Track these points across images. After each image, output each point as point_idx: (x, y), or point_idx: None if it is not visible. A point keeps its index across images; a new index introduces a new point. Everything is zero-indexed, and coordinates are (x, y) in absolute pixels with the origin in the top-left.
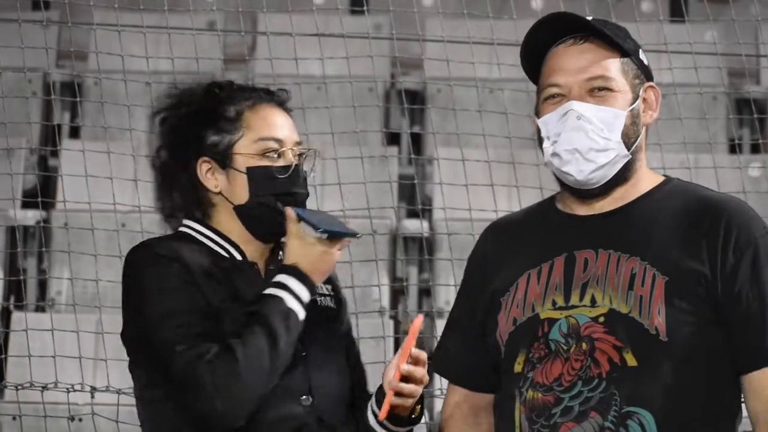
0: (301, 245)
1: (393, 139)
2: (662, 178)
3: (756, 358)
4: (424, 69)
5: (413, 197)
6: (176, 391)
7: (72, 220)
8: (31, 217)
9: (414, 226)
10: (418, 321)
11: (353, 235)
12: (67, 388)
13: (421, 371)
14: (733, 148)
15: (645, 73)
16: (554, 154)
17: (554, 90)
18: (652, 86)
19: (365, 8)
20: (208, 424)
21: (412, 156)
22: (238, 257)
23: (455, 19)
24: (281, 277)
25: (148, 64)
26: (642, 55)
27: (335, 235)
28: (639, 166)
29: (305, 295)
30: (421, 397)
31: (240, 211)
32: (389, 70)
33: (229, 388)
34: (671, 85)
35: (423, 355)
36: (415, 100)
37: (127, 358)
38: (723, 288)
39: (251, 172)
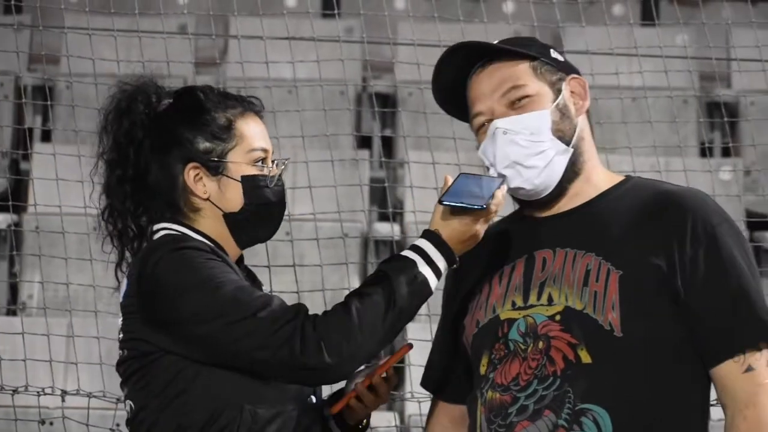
0: (443, 214)
1: (364, 142)
2: (621, 178)
3: (719, 351)
4: (395, 72)
5: (384, 200)
6: (264, 355)
7: (43, 223)
8: (2, 220)
9: (385, 229)
10: (405, 349)
11: (479, 207)
12: (38, 392)
13: (385, 389)
14: (704, 152)
15: (564, 69)
16: (500, 175)
17: (480, 119)
18: (575, 78)
19: (336, 12)
20: (310, 378)
21: (384, 159)
22: (228, 259)
23: (426, 22)
24: (419, 241)
25: (119, 68)
26: (555, 54)
27: (460, 208)
28: (588, 158)
29: (442, 263)
30: (368, 415)
31: (231, 218)
32: (360, 74)
33: (338, 341)
34: (642, 88)
35: (395, 379)
36: (387, 103)
37: (98, 362)
38: (682, 280)
39: (245, 180)
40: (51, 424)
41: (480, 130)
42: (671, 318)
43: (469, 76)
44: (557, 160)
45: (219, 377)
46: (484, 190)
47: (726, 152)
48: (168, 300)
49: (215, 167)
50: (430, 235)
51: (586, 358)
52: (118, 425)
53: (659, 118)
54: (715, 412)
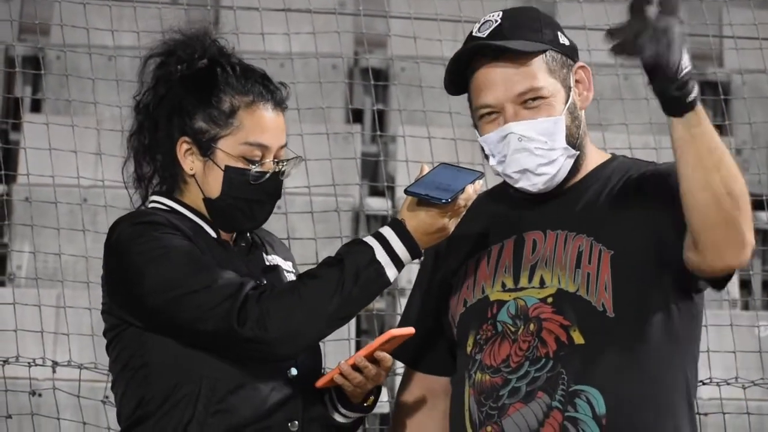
0: (411, 204)
1: (356, 116)
2: (608, 156)
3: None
4: (390, 46)
5: (376, 175)
6: (209, 327)
7: (34, 194)
8: None
9: (377, 203)
10: (388, 334)
11: (439, 200)
12: (29, 363)
13: (374, 371)
14: None
15: (570, 54)
16: (505, 174)
17: (488, 110)
18: (581, 66)
19: None
20: (252, 352)
21: (376, 133)
22: (213, 234)
23: None
24: (383, 229)
25: (114, 38)
26: (562, 38)
27: (424, 199)
28: (587, 151)
29: (403, 253)
30: (378, 390)
31: (208, 203)
32: (353, 48)
33: (279, 317)
34: (635, 66)
35: (387, 361)
36: (379, 77)
37: (89, 333)
38: (665, 229)
39: (228, 171)
40: (40, 395)
41: (484, 119)
42: (663, 294)
43: (478, 59)
44: (565, 164)
45: (179, 349)
46: (455, 183)
47: (719, 130)
48: (122, 273)
49: (205, 148)
50: (395, 223)
51: (579, 339)
52: (107, 397)
53: (652, 96)
54: (705, 391)
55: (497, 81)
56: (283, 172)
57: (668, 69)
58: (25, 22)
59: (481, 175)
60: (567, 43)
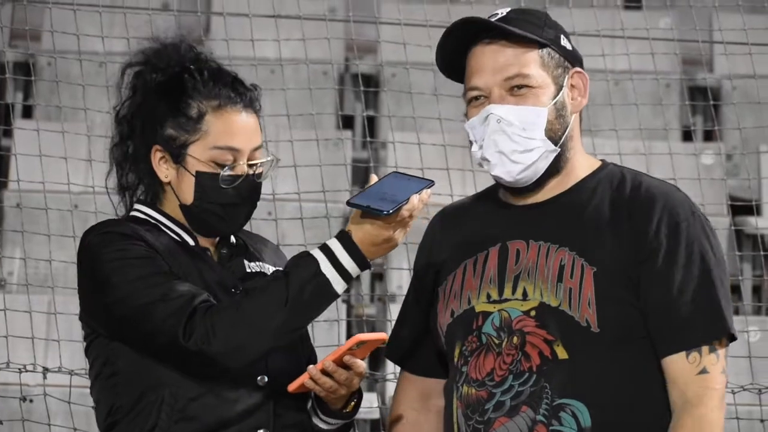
0: (356, 216)
1: (347, 122)
2: (598, 164)
3: (669, 343)
4: (380, 52)
5: (366, 181)
6: (162, 340)
7: (25, 200)
8: None
9: None
10: (355, 338)
11: (381, 211)
12: (19, 369)
13: (344, 375)
14: (687, 136)
15: (570, 59)
16: (483, 158)
17: (475, 93)
18: (579, 72)
19: None
20: (201, 365)
21: (366, 139)
22: (191, 242)
23: (411, 2)
24: (329, 241)
25: (104, 45)
26: (564, 41)
27: (365, 210)
28: (572, 155)
29: (350, 265)
30: (359, 395)
31: (184, 210)
32: (344, 54)
33: (223, 331)
34: (625, 72)
35: (358, 367)
36: (370, 83)
37: (80, 340)
38: (644, 273)
39: (199, 176)
40: (31, 401)
41: (472, 103)
42: (643, 313)
43: (474, 43)
44: (543, 159)
45: (143, 358)
46: (400, 194)
47: (708, 136)
48: (88, 282)
49: (176, 155)
50: (341, 235)
51: (562, 354)
52: None
53: (641, 102)
54: None
55: (488, 64)
56: (259, 174)
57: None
58: (16, 29)
59: (431, 183)
60: (569, 48)
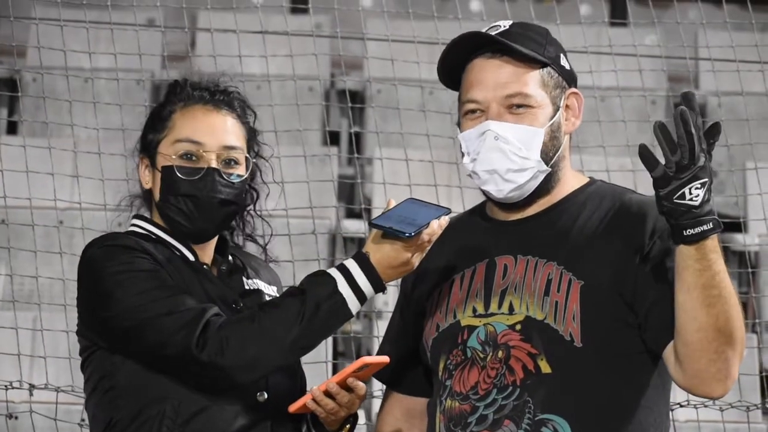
0: (376, 237)
1: (333, 138)
2: (586, 180)
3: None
4: (366, 69)
5: (353, 197)
6: (171, 351)
7: (10, 216)
8: None
9: (354, 226)
10: (361, 361)
11: (403, 233)
12: (5, 386)
13: (346, 398)
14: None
15: (567, 79)
16: (474, 173)
17: (473, 105)
18: (575, 93)
19: (308, 6)
20: (211, 379)
21: (352, 156)
22: (191, 257)
23: (397, 18)
24: (347, 261)
25: (91, 60)
26: (564, 60)
27: (388, 232)
28: (562, 174)
29: (366, 286)
30: (354, 418)
31: (158, 208)
32: (330, 70)
33: (237, 345)
34: (612, 88)
35: (361, 389)
36: (356, 99)
37: (66, 356)
38: (642, 274)
39: (163, 171)
40: (17, 418)
41: (467, 116)
42: (629, 329)
43: (475, 55)
44: (534, 179)
45: (145, 372)
46: (420, 218)
47: None
48: (91, 296)
49: (152, 158)
50: (359, 256)
51: (546, 368)
52: (83, 420)
53: (628, 118)
54: (682, 414)
55: (489, 79)
56: (230, 174)
57: (689, 210)
58: (1, 44)
59: (448, 211)
60: (567, 67)
